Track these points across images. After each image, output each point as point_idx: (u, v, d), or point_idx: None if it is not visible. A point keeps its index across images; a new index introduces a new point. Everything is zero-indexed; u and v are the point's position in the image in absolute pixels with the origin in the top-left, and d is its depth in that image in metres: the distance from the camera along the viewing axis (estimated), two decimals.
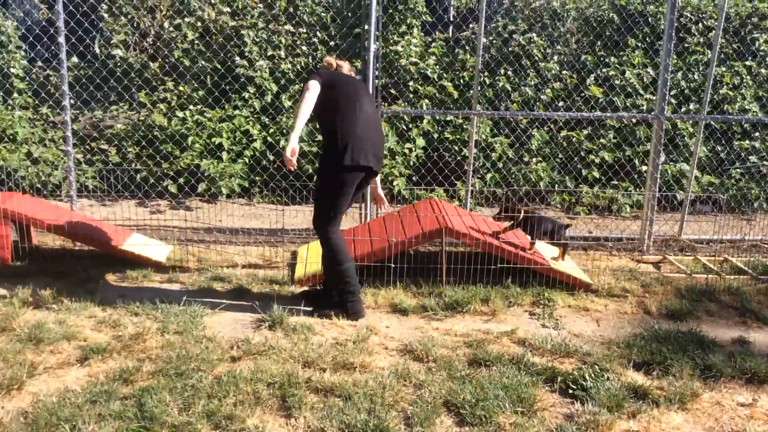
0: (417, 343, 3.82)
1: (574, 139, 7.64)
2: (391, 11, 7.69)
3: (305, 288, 4.74)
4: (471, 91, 7.59)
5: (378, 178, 4.63)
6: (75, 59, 7.61)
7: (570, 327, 4.30)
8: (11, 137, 7.00)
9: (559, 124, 7.77)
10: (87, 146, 7.33)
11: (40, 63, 7.63)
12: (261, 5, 7.56)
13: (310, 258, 5.03)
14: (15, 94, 7.33)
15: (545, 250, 5.23)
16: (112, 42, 7.45)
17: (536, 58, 7.77)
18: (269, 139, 7.31)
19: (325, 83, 4.18)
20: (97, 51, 7.75)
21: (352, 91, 4.28)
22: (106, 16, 7.34)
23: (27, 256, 5.07)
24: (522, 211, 5.06)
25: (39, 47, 7.65)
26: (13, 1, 7.53)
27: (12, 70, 7.31)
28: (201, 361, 3.48)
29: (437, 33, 8.00)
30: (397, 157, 7.23)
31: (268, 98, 7.46)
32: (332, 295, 4.45)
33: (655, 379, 3.56)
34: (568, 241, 5.21)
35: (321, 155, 4.27)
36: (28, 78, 7.48)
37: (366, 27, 5.52)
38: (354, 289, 4.32)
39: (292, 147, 4.00)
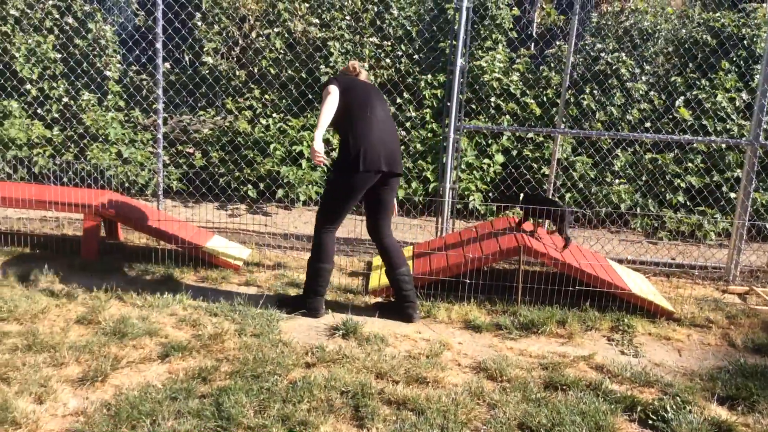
0: (491, 362, 3.76)
1: (659, 162, 7.40)
2: (477, 26, 7.66)
3: (379, 299, 4.75)
4: (554, 109, 7.47)
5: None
6: (167, 65, 7.91)
7: (650, 355, 4.14)
8: (104, 137, 7.33)
9: (645, 146, 7.54)
10: (174, 149, 7.59)
11: (134, 67, 7.95)
12: (348, 17, 7.66)
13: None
14: (110, 96, 7.67)
15: (628, 278, 5.07)
16: (204, 50, 7.70)
17: (624, 77, 7.58)
18: None
19: (342, 88, 4.29)
20: (188, 58, 8.03)
21: (365, 97, 4.36)
22: (200, 24, 7.60)
23: (113, 251, 5.27)
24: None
25: (137, 52, 7.98)
26: (115, 6, 7.89)
27: (108, 73, 7.66)
28: (277, 365, 3.52)
29: (522, 49, 7.92)
30: (474, 172, 7.17)
31: None
32: (403, 306, 4.47)
33: (740, 415, 3.38)
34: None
35: (335, 159, 4.38)
36: (123, 81, 7.82)
37: (452, 41, 5.51)
38: (321, 290, 4.44)
39: (317, 147, 4.13)
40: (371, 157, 4.24)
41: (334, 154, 7.31)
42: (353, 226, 6.60)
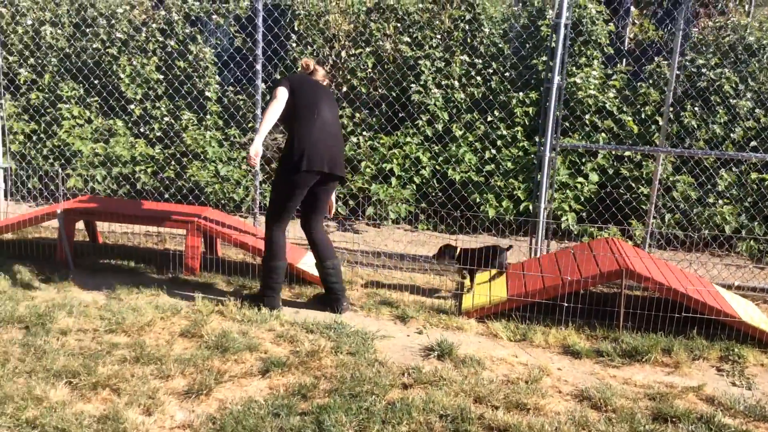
0: (594, 390, 3.62)
1: (767, 183, 7.01)
2: (571, 42, 7.51)
3: (472, 320, 4.67)
4: (653, 127, 7.21)
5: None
6: (263, 85, 8.13)
7: (764, 388, 3.89)
8: (202, 156, 7.59)
9: (752, 166, 7.17)
10: (269, 167, 7.77)
11: (232, 88, 8.21)
12: (439, 36, 7.67)
13: (478, 289, 4.96)
14: (208, 116, 7.95)
15: (737, 305, 4.80)
16: (298, 70, 7.87)
17: (727, 94, 7.24)
18: (438, 167, 7.37)
19: (290, 87, 4.47)
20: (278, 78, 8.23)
21: (312, 97, 4.50)
22: (294, 45, 7.79)
23: (213, 267, 5.42)
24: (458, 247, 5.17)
25: (237, 72, 8.24)
26: (218, 29, 8.19)
27: (207, 93, 7.94)
28: (374, 385, 3.51)
29: (618, 65, 7.70)
30: (567, 191, 7.00)
31: (440, 126, 7.54)
32: (330, 297, 4.72)
33: None
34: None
35: (280, 157, 4.54)
36: (220, 101, 8.08)
37: (548, 59, 5.41)
38: (276, 286, 4.64)
39: (256, 149, 4.35)
40: (313, 157, 4.39)
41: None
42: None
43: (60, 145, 7.55)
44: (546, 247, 5.81)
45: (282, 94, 4.42)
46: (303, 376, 3.64)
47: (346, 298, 4.78)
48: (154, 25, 7.90)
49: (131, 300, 4.63)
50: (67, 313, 4.27)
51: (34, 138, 7.68)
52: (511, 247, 5.33)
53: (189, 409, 3.26)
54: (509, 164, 7.20)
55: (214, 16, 8.07)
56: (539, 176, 5.69)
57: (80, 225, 5.86)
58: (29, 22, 7.93)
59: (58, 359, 3.61)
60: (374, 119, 7.68)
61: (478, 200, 7.09)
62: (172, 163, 7.50)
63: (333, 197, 4.91)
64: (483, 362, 3.97)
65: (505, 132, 7.38)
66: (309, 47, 7.85)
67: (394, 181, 7.32)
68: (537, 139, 7.17)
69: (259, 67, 5.83)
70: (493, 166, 7.24)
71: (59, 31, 7.99)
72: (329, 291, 4.75)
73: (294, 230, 6.85)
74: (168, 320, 4.31)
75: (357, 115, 7.67)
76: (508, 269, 5.15)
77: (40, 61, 7.93)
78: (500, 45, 7.75)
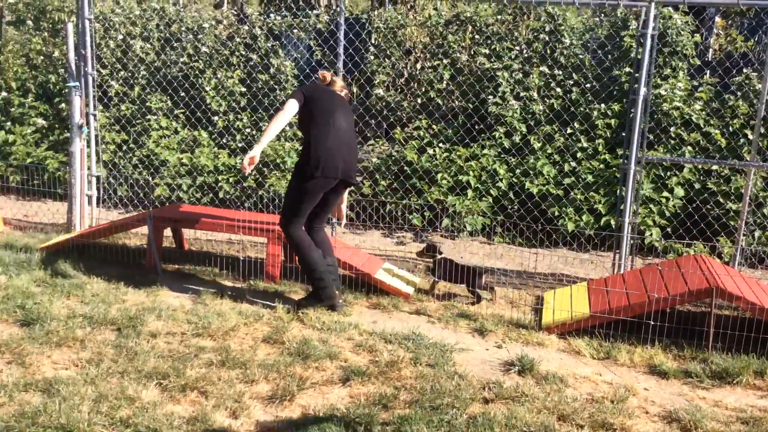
0: (683, 412, 3.49)
1: None
2: (656, 53, 7.32)
3: (553, 335, 4.59)
4: (741, 140, 6.92)
5: (345, 194, 5.06)
6: None
7: None
8: (282, 166, 7.76)
9: None
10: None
11: None
12: (518, 48, 7.62)
13: (558, 305, 4.87)
14: (287, 127, 8.11)
15: None
16: (375, 82, 7.96)
17: None
18: (515, 179, 7.29)
19: (306, 98, 4.64)
20: (356, 90, 8.33)
21: (329, 106, 4.67)
22: (371, 57, 7.88)
23: (291, 275, 5.51)
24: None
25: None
26: (301, 42, 8.38)
27: None
28: (454, 398, 3.49)
29: (704, 77, 7.45)
30: (651, 205, 6.80)
31: (516, 138, 7.46)
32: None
33: None
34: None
35: (296, 162, 4.75)
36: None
37: (632, 70, 5.29)
38: (323, 275, 4.73)
39: (252, 155, 4.56)
40: (328, 164, 4.57)
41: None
42: (522, 258, 6.47)
43: (148, 154, 7.87)
44: (630, 263, 5.65)
45: (290, 106, 4.61)
46: (383, 386, 3.65)
47: (341, 296, 4.97)
48: (238, 40, 8.15)
49: (216, 305, 4.76)
50: (156, 317, 4.43)
51: (125, 148, 8.03)
52: (488, 271, 5.49)
53: (273, 414, 3.32)
54: (590, 177, 7.05)
55: (295, 30, 8.26)
56: (623, 190, 5.55)
57: (167, 232, 6.08)
58: (120, 37, 8.32)
59: (149, 361, 3.74)
60: (451, 131, 7.67)
61: (556, 213, 6.97)
62: (253, 173, 7.70)
63: (345, 206, 5.19)
64: (566, 379, 3.89)
65: (585, 144, 7.24)
66: (387, 59, 7.93)
67: (470, 193, 7.28)
68: (620, 152, 7.02)
69: None
70: (573, 179, 7.10)
71: (149, 46, 8.34)
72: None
73: (371, 240, 6.92)
74: (251, 326, 4.41)
75: (434, 127, 7.68)
76: (485, 295, 5.26)
77: (130, 74, 8.30)
78: (581, 56, 7.62)
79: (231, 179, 7.68)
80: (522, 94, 7.56)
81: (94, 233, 5.80)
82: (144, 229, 5.95)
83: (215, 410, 3.28)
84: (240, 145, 7.97)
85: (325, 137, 4.59)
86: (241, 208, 7.53)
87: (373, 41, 8.12)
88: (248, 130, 8.02)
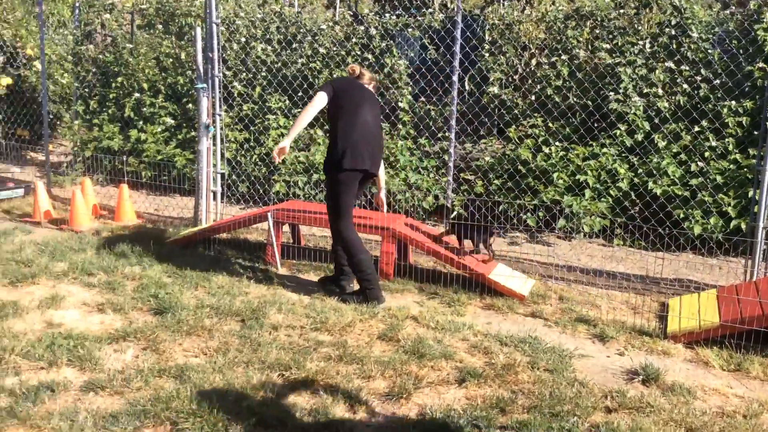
0: None
1: None
2: None
3: (679, 344, 4.36)
4: None
5: (383, 183, 5.27)
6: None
7: None
8: (394, 164, 7.82)
9: None
10: (454, 176, 7.84)
11: (422, 98, 8.39)
12: (641, 43, 7.29)
13: (685, 312, 4.63)
14: (400, 126, 8.18)
15: None
16: (489, 80, 7.87)
17: None
18: (636, 179, 6.99)
19: (335, 91, 4.77)
20: (469, 87, 8.26)
21: (356, 100, 4.80)
22: (486, 55, 7.79)
23: (405, 273, 5.55)
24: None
25: (428, 83, 8.41)
26: (416, 41, 8.42)
27: (400, 104, 8.18)
28: (575, 405, 3.39)
29: None
30: None
31: (639, 137, 7.15)
32: (339, 278, 5.14)
33: None
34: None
35: (324, 160, 4.86)
36: (411, 111, 8.29)
37: (766, 65, 4.93)
38: (370, 277, 4.82)
39: (282, 146, 4.78)
40: (355, 156, 4.69)
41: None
42: (645, 263, 6.20)
43: (268, 152, 8.15)
44: (763, 270, 5.29)
45: (319, 98, 4.73)
46: (499, 389, 3.60)
47: (353, 280, 5.08)
48: (354, 40, 8.28)
49: (332, 300, 4.87)
50: (276, 310, 4.58)
51: (246, 146, 8.37)
52: (492, 234, 5.57)
53: (390, 411, 3.35)
54: (719, 178, 6.66)
55: (410, 30, 8.30)
56: (756, 192, 5.20)
57: (285, 227, 6.28)
58: (243, 40, 8.66)
59: (271, 352, 3.88)
60: (569, 129, 7.46)
61: (682, 216, 6.62)
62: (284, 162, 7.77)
63: (383, 194, 5.34)
64: (693, 391, 3.69)
65: (714, 143, 6.83)
66: (502, 56, 7.81)
67: (587, 193, 7.05)
68: (752, 152, 6.58)
69: (455, 78, 5.91)
70: (700, 179, 6.73)
71: (269, 48, 8.64)
72: (340, 272, 5.12)
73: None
74: (366, 322, 4.48)
75: (551, 124, 7.50)
76: (484, 253, 5.42)
77: (252, 76, 8.63)
78: (710, 51, 7.20)
79: None
80: (646, 90, 7.23)
81: (219, 228, 6.08)
82: (264, 225, 6.17)
83: (334, 404, 3.35)
84: None
85: (351, 130, 4.73)
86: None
87: (487, 38, 8.02)
88: None
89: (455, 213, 5.49)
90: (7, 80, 10.04)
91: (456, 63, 5.84)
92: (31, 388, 3.37)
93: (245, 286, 5.09)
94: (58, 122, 10.67)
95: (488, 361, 3.97)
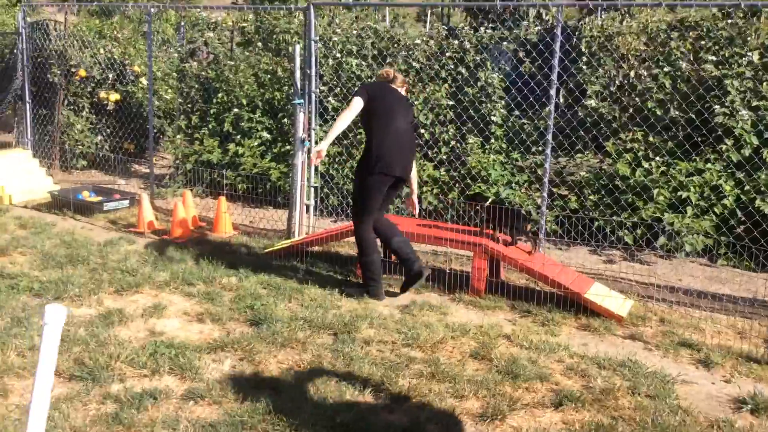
0: None
1: None
2: None
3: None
4: None
5: (415, 185, 5.45)
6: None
7: None
8: (486, 178, 7.74)
9: None
10: (556, 192, 7.66)
11: (516, 112, 8.26)
12: (749, 54, 6.92)
13: None
14: (492, 140, 8.09)
15: None
16: (587, 93, 7.67)
17: None
18: (743, 196, 6.62)
19: (369, 96, 4.91)
20: (563, 100, 8.07)
21: (390, 105, 4.97)
22: (584, 68, 7.60)
23: (496, 290, 5.46)
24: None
25: (520, 96, 8.30)
26: (511, 54, 8.34)
27: (493, 118, 8.10)
28: None
29: None
30: None
31: (747, 152, 6.78)
32: (407, 266, 5.20)
33: None
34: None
35: (358, 162, 5.12)
36: (504, 125, 8.18)
37: None
38: (376, 277, 5.13)
39: (319, 149, 4.96)
40: (388, 162, 4.90)
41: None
42: (753, 285, 5.85)
43: None
44: None
45: (356, 103, 4.90)
46: (598, 415, 3.48)
47: (420, 261, 5.24)
48: (448, 54, 8.28)
49: (423, 316, 4.86)
50: (368, 324, 4.61)
51: (338, 159, 8.50)
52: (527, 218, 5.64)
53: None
54: None
55: (505, 43, 8.22)
56: None
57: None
58: (338, 55, 8.82)
59: (364, 367, 3.90)
60: (671, 143, 7.15)
61: None
62: (455, 185, 7.76)
63: (415, 197, 5.50)
64: None
65: None
66: (600, 68, 7.60)
67: (689, 210, 6.73)
68: None
69: (552, 92, 5.79)
70: None
71: (363, 63, 8.75)
72: (405, 261, 5.18)
73: (577, 257, 6.66)
74: (458, 339, 4.44)
75: (651, 138, 7.22)
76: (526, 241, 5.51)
77: (347, 90, 8.76)
78: None
79: (435, 191, 7.81)
80: (755, 103, 6.85)
81: (312, 241, 6.19)
82: (353, 238, 6.23)
83: (428, 422, 3.33)
84: (444, 157, 8.08)
85: (384, 136, 4.92)
86: (443, 219, 7.62)
87: (585, 50, 7.82)
88: (453, 142, 8.11)
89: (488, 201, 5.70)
90: (116, 96, 10.62)
91: (554, 76, 5.71)
92: (135, 396, 3.52)
93: (337, 300, 5.15)
94: (162, 136, 11.18)
95: (586, 385, 3.84)
